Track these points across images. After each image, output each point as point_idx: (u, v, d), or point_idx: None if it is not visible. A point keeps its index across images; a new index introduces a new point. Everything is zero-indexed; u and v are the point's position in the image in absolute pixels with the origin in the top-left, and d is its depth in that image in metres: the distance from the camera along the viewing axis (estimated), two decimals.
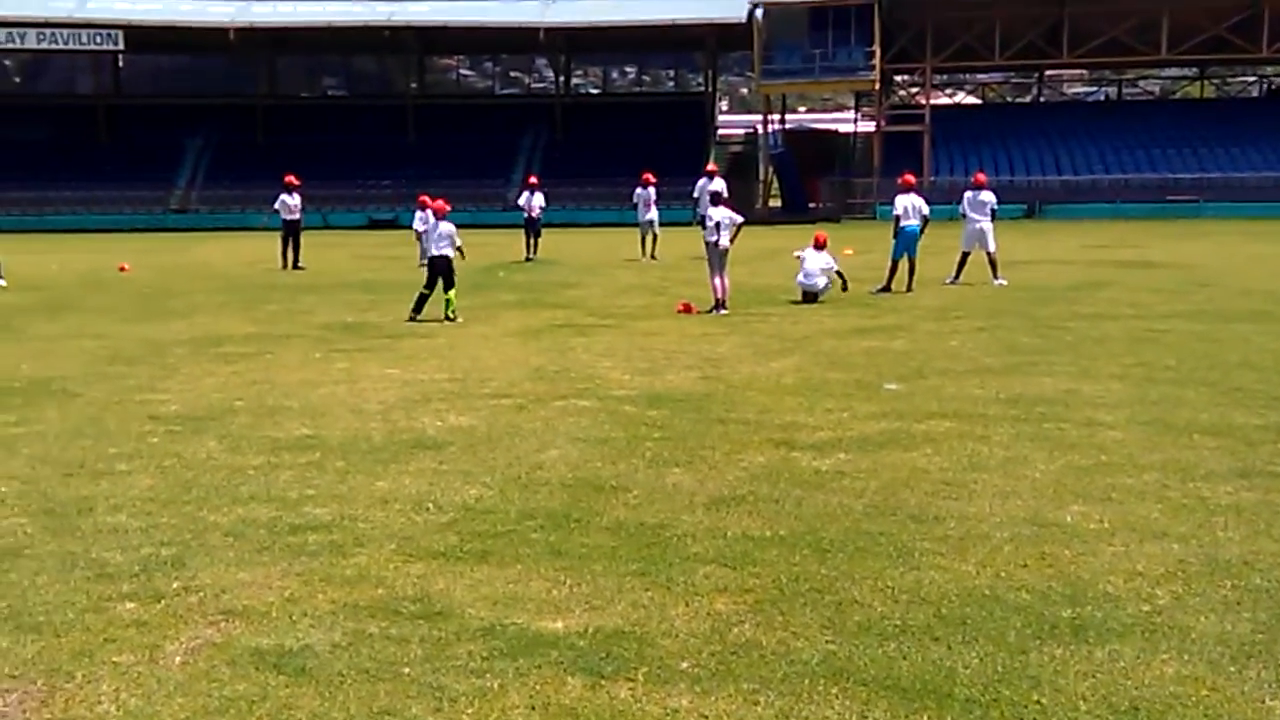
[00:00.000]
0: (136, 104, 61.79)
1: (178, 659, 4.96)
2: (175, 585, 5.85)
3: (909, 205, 20.04)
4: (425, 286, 17.13)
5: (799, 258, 18.75)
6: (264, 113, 59.61)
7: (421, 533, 6.68)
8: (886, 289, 19.65)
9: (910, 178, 21.56)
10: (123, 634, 5.24)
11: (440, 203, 17.97)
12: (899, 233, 19.89)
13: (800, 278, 18.52)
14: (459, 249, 17.34)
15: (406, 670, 4.80)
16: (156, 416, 10.15)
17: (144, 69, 69.86)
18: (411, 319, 16.69)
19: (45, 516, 7.11)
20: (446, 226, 17.23)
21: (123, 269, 27.90)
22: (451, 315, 16.77)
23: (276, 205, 28.23)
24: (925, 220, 20.13)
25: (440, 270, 17.07)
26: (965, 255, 21.00)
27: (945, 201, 40.13)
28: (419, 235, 28.43)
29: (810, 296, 18.42)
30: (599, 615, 5.37)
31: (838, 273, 18.83)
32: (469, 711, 4.46)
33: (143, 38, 56.17)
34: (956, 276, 20.77)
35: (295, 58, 69.58)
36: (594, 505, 7.17)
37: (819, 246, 18.72)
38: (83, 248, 38.46)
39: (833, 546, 6.30)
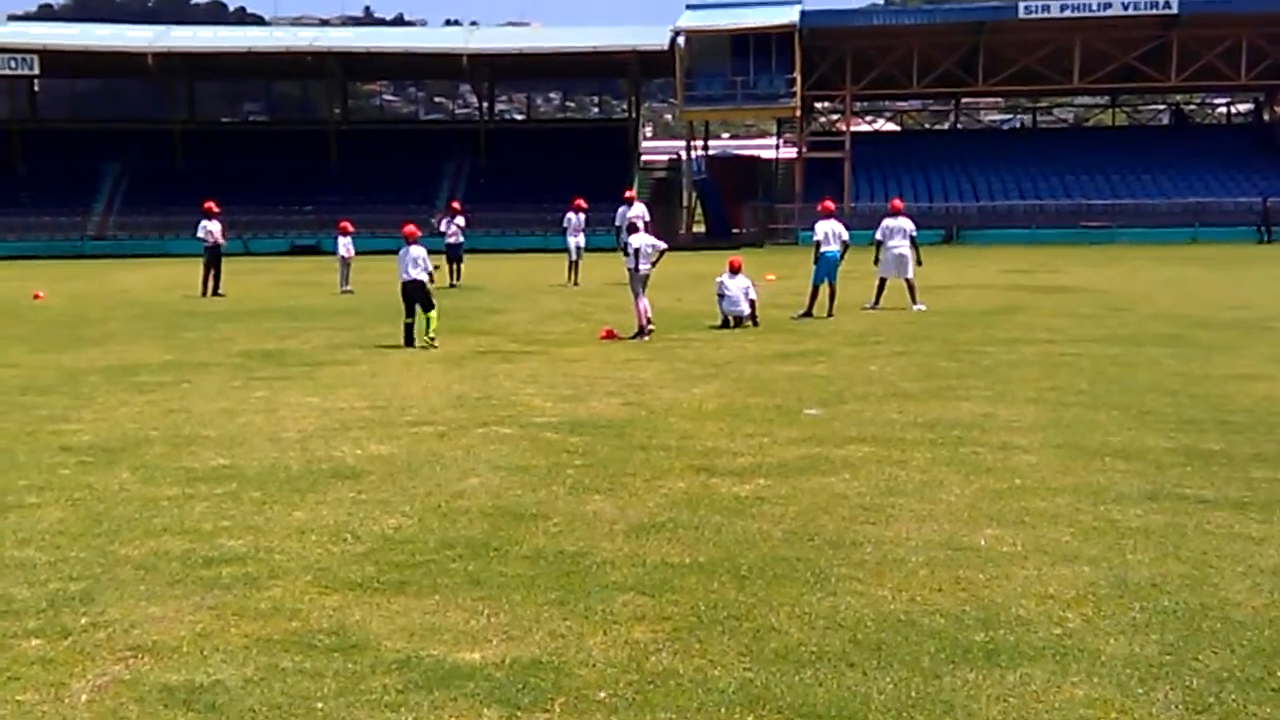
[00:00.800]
0: (52, 129, 60.79)
1: (84, 697, 4.86)
2: (83, 621, 5.74)
3: (829, 231, 20.26)
4: (406, 315, 17.03)
5: (719, 284, 18.84)
6: (183, 138, 58.90)
7: (338, 564, 6.61)
8: (808, 314, 19.80)
9: (830, 204, 21.81)
10: (27, 671, 5.13)
11: (411, 227, 17.87)
12: (819, 258, 20.08)
13: (724, 305, 18.61)
14: (430, 272, 17.35)
15: (320, 705, 4.74)
16: (69, 447, 9.96)
17: (60, 93, 68.84)
18: (407, 345, 16.68)
19: None
20: (417, 250, 17.15)
21: (37, 296, 27.40)
22: (431, 337, 16.66)
23: (200, 233, 27.84)
24: (845, 246, 20.35)
25: (415, 295, 16.99)
26: (884, 281, 21.23)
27: (866, 227, 40.65)
28: (341, 261, 28.32)
29: (736, 320, 18.52)
30: (516, 645, 5.34)
31: (750, 302, 18.81)
32: None
33: (59, 62, 55.41)
34: (876, 302, 21.00)
35: (215, 83, 68.92)
36: (514, 534, 7.15)
37: (735, 271, 18.82)
38: None
39: (751, 573, 6.32)
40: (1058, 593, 5.91)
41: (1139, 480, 8.16)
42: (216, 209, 28.24)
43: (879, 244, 21.37)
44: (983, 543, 6.78)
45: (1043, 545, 6.71)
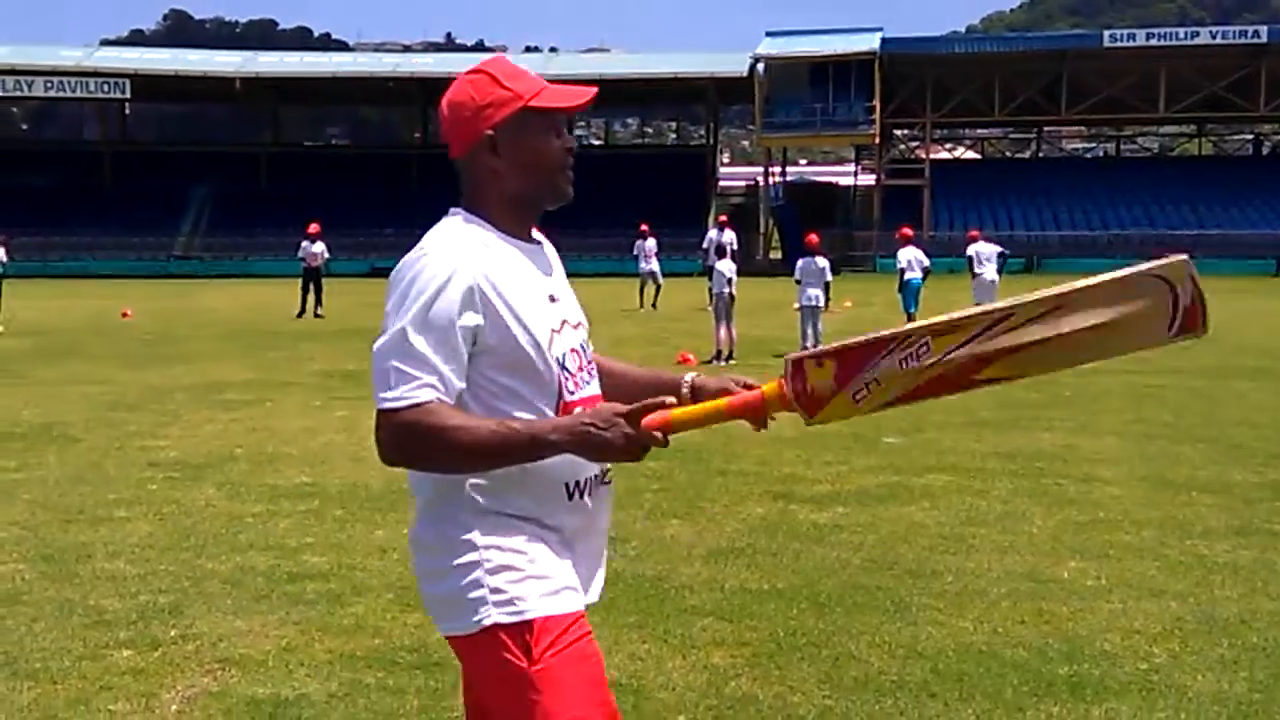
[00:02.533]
0: (142, 151, 62.27)
1: (173, 707, 4.96)
2: (172, 633, 5.85)
3: (912, 258, 20.17)
4: None
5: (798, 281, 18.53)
6: (268, 160, 60.00)
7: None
8: None
9: (909, 231, 21.72)
10: (119, 681, 5.24)
11: None
12: (903, 285, 19.99)
13: (801, 300, 18.34)
14: None
15: None
16: (156, 463, 10.17)
17: (150, 117, 70.48)
18: None
19: (44, 563, 7.11)
20: None
21: (125, 314, 28.00)
22: None
23: (300, 254, 28.37)
24: (927, 272, 20.26)
25: None
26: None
27: (944, 254, 40.39)
28: None
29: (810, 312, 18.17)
30: None
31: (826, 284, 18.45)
32: None
33: (150, 86, 56.72)
34: None
35: (300, 107, 70.14)
36: None
37: (813, 251, 18.50)
38: (86, 293, 38.60)
39: (830, 600, 6.30)
40: (1143, 627, 5.83)
41: (1226, 515, 8.02)
42: (318, 230, 28.66)
43: (970, 262, 21.06)
44: (1066, 575, 6.70)
45: (1128, 579, 6.61)
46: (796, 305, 18.61)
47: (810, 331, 18.36)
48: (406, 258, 2.67)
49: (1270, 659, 5.40)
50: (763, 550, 7.30)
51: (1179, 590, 6.41)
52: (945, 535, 7.59)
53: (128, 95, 55.90)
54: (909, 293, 19.80)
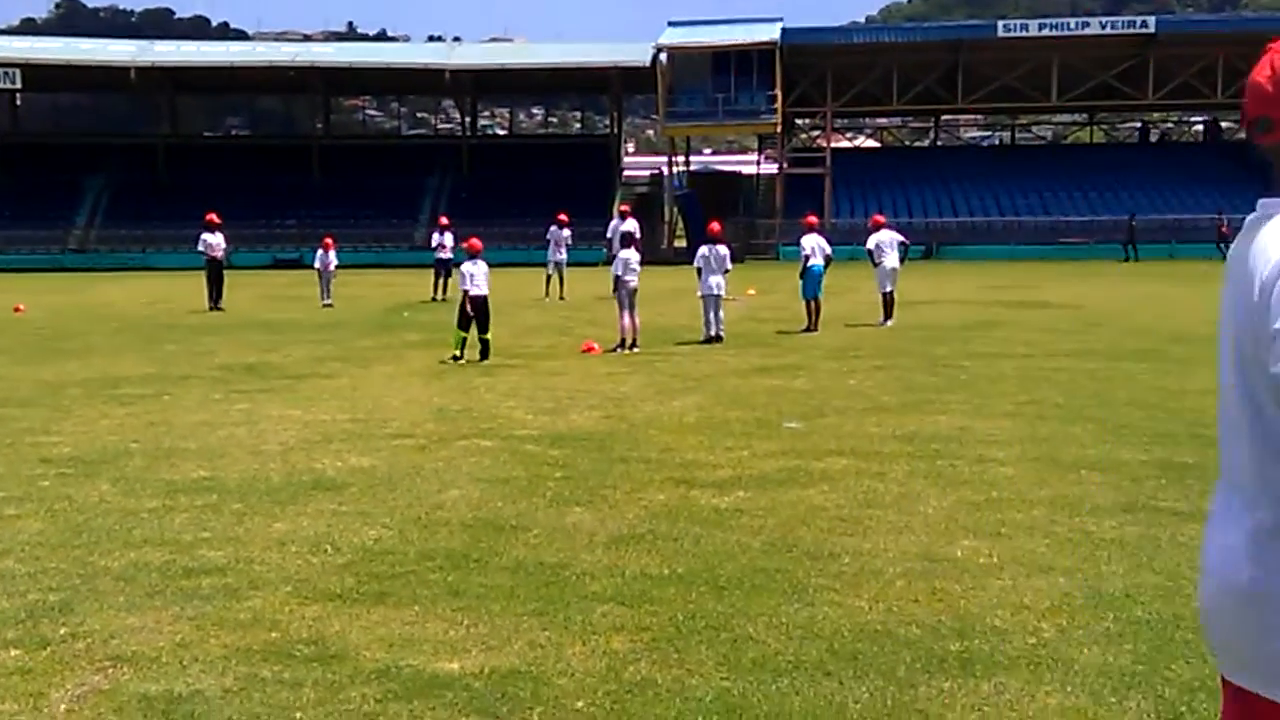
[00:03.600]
0: (34, 142, 60.63)
1: (62, 706, 4.87)
2: (62, 631, 5.74)
3: (815, 245, 20.34)
4: (460, 326, 16.58)
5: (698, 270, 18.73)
6: (166, 152, 58.81)
7: (318, 575, 6.63)
8: (811, 329, 19.77)
9: (814, 218, 21.91)
10: (6, 681, 5.13)
11: (474, 240, 17.52)
12: (805, 272, 20.16)
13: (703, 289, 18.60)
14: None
15: (299, 715, 4.76)
16: (49, 459, 9.95)
17: (42, 107, 68.66)
18: (455, 359, 16.36)
19: None
20: (484, 265, 16.79)
21: (18, 309, 27.30)
22: (480, 355, 16.36)
23: (200, 245, 27.73)
24: (828, 260, 20.45)
25: (479, 310, 16.54)
26: (885, 294, 21.05)
27: (846, 242, 40.82)
28: (320, 274, 28.35)
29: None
30: (495, 655, 5.37)
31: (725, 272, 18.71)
32: None
33: (41, 76, 55.33)
34: (887, 316, 20.85)
35: (198, 97, 68.83)
36: (494, 545, 7.17)
37: (715, 239, 18.75)
38: None
39: (730, 584, 6.36)
40: (1033, 603, 5.97)
41: (1114, 493, 8.23)
42: (218, 220, 28.06)
43: (871, 254, 21.23)
44: (959, 554, 6.83)
45: (1019, 557, 6.76)
46: (699, 293, 18.74)
47: (713, 319, 18.50)
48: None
49: (1153, 632, 5.56)
50: (664, 536, 7.35)
51: (1067, 566, 6.58)
52: (843, 517, 7.70)
53: (18, 85, 54.45)
54: (810, 279, 19.98)
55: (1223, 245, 45.83)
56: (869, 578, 6.44)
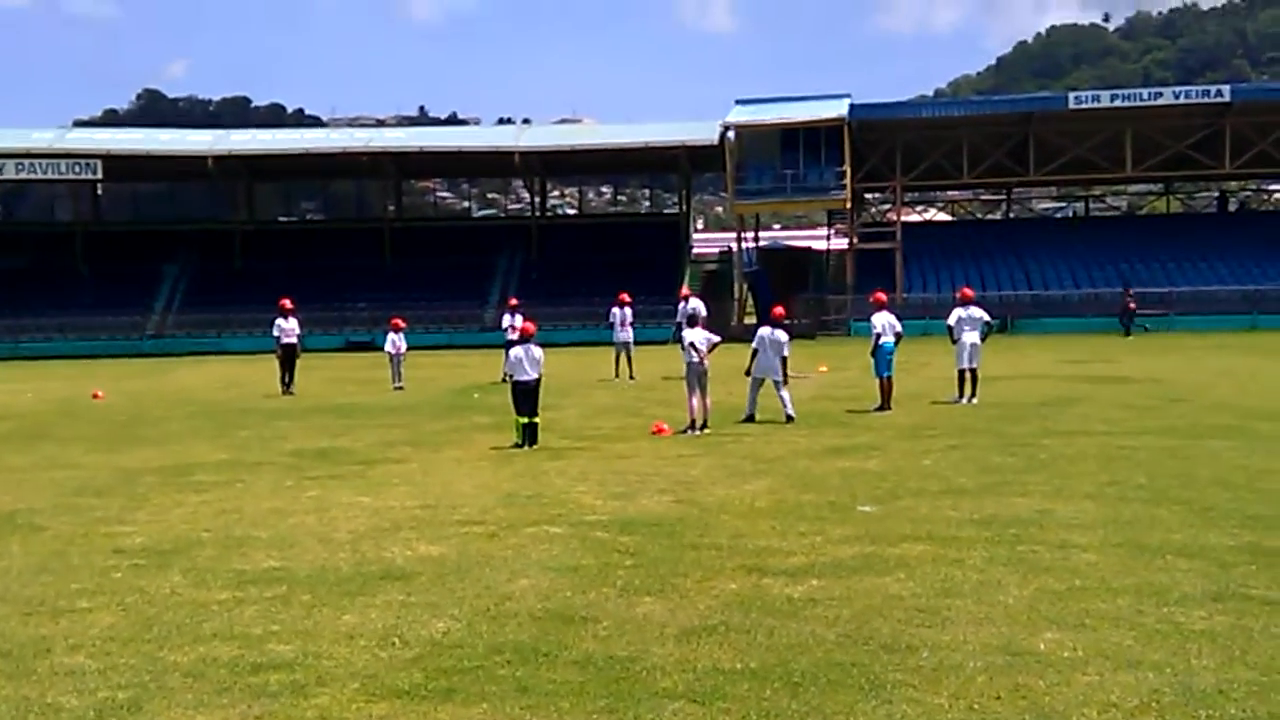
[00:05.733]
0: (114, 231, 62.12)
1: None
2: None
3: (886, 323, 20.17)
4: (519, 412, 16.36)
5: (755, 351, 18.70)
6: (241, 238, 59.97)
7: (386, 670, 6.55)
8: (884, 407, 19.57)
9: (883, 295, 21.75)
10: None
11: (528, 324, 17.46)
12: (876, 350, 19.98)
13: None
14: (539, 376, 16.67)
15: None
16: (121, 550, 10.01)
17: (122, 196, 70.41)
18: (518, 446, 16.15)
19: (1, 659, 6.95)
20: (538, 349, 16.65)
21: (96, 396, 27.76)
22: (526, 442, 16.14)
23: (274, 331, 28.09)
24: (899, 336, 20.26)
25: (529, 395, 16.32)
26: (962, 372, 20.74)
27: (917, 317, 40.51)
28: (390, 358, 28.57)
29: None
30: None
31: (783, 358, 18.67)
32: None
33: (122, 167, 56.71)
34: (961, 394, 20.58)
35: (273, 183, 70.23)
36: (563, 638, 7.06)
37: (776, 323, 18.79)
38: (58, 375, 38.33)
39: (804, 679, 6.20)
40: (1120, 700, 5.74)
41: (1203, 580, 7.96)
42: (291, 305, 28.38)
43: (950, 329, 20.93)
44: (1042, 647, 6.61)
45: (1104, 650, 6.53)
46: (748, 373, 18.68)
47: (783, 399, 18.34)
48: None
49: None
50: (736, 627, 7.19)
51: (1155, 660, 6.34)
52: (920, 608, 7.51)
53: (99, 176, 55.86)
54: (881, 357, 19.79)
55: (1129, 319, 45.18)
56: (949, 673, 6.24)
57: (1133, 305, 46.70)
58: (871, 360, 20.19)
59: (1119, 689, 5.90)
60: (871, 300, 21.48)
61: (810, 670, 6.34)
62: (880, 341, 19.98)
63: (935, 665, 6.37)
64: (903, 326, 20.76)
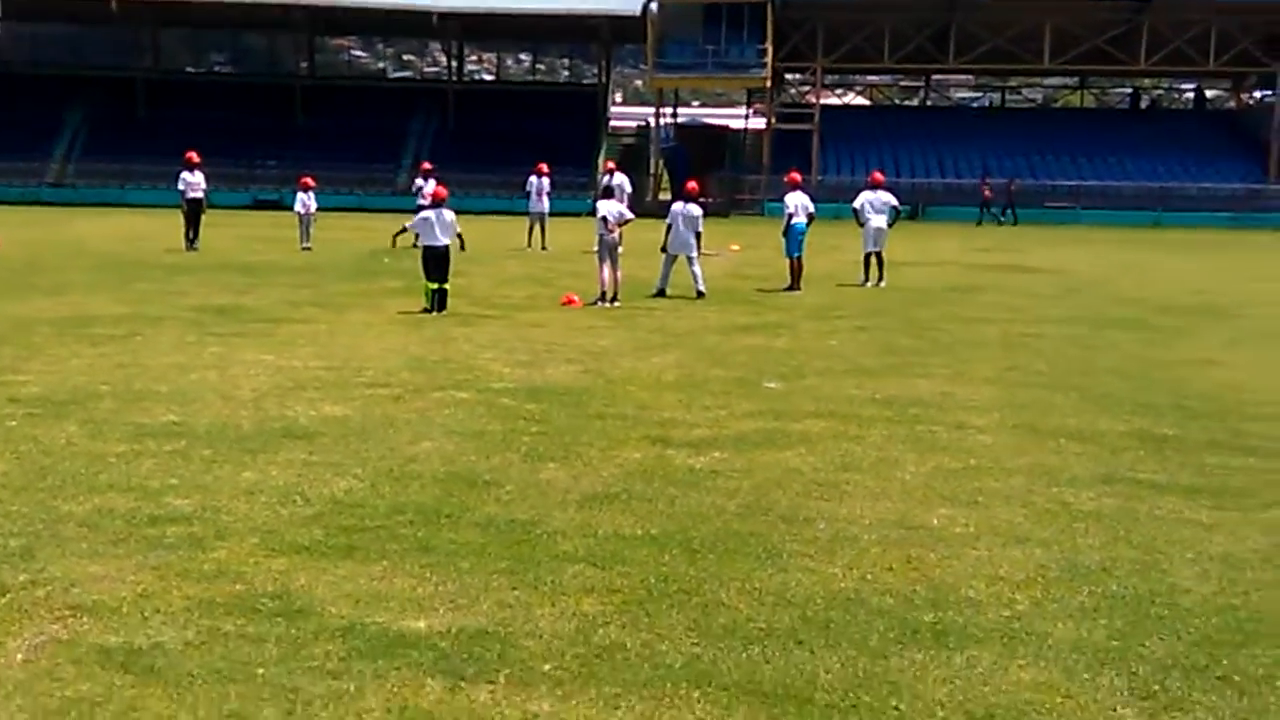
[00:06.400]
0: (12, 74, 59.75)
1: (19, 656, 4.77)
2: (21, 578, 5.63)
3: (798, 203, 20.17)
4: (428, 277, 16.13)
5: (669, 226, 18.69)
6: (146, 86, 58.04)
7: (286, 526, 6.53)
8: (794, 288, 19.66)
9: (797, 175, 21.71)
10: None
11: (440, 188, 17.19)
12: (788, 230, 20.01)
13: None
14: (459, 237, 16.43)
15: (260, 671, 4.67)
16: (16, 399, 9.80)
17: (21, 37, 67.64)
18: (426, 311, 15.94)
19: None
20: (450, 214, 16.32)
21: None
22: (437, 307, 15.93)
23: (179, 184, 27.35)
24: (811, 218, 20.28)
25: (443, 261, 16.12)
26: (869, 255, 20.89)
27: (833, 200, 40.60)
28: (299, 217, 28.03)
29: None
30: (463, 615, 5.28)
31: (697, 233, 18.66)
32: (323, 715, 4.35)
33: (21, 6, 54.38)
34: (867, 277, 20.74)
35: (180, 32, 67.92)
36: (466, 500, 7.08)
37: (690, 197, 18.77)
38: None
39: (703, 547, 6.29)
40: (1008, 575, 5.91)
41: (1093, 463, 8.18)
42: (198, 159, 27.62)
43: (856, 213, 21.01)
44: (935, 522, 6.77)
45: (995, 526, 6.71)
46: (663, 249, 18.67)
47: (696, 274, 18.36)
48: None
49: (1129, 607, 5.51)
50: (638, 495, 7.26)
51: (1044, 538, 6.52)
52: (820, 481, 7.63)
53: None
54: (793, 237, 19.83)
55: (984, 209, 46.43)
56: (844, 544, 6.37)
57: (987, 194, 47.74)
58: (783, 240, 20.23)
59: (1007, 563, 6.08)
60: (786, 180, 21.42)
61: (709, 538, 6.44)
62: (791, 222, 20.00)
63: (831, 537, 6.50)
64: (816, 209, 20.79)
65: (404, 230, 17.02)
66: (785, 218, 20.24)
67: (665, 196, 56.37)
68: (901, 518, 6.85)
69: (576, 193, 44.93)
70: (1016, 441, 8.82)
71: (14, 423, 8.94)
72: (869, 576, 5.86)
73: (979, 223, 46.14)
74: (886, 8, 52.15)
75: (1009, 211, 47.07)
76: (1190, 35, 50.78)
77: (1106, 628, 5.26)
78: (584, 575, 5.83)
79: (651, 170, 58.29)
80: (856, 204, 21.06)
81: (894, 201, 21.21)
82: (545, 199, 29.43)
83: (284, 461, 7.91)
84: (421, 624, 5.16)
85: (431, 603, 5.42)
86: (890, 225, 21.01)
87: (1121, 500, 7.27)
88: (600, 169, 38.67)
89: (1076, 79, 64.18)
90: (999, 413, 9.87)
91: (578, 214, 39.67)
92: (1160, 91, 67.62)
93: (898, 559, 6.12)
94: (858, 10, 52.64)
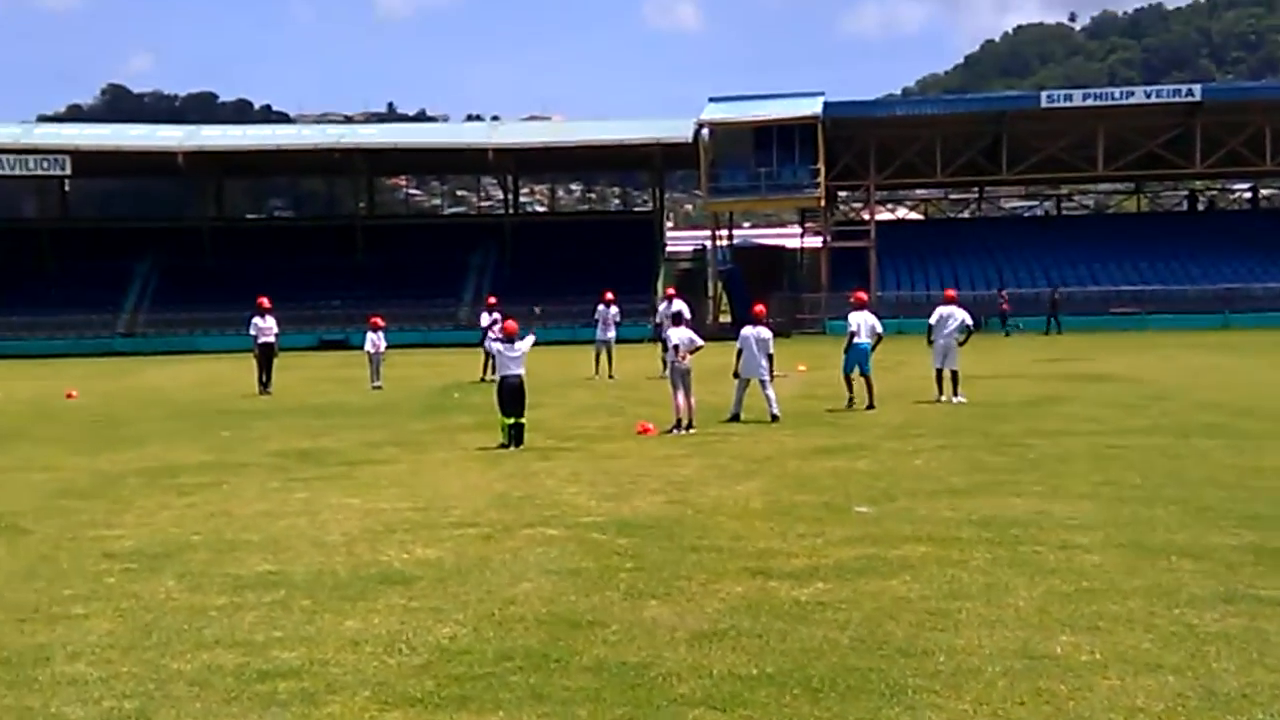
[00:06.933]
0: (82, 228, 61.47)
1: None
2: None
3: (862, 323, 20.15)
4: (503, 412, 16.17)
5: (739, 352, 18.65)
6: (211, 235, 59.48)
7: (395, 677, 6.44)
8: (851, 404, 19.60)
9: (863, 295, 21.74)
10: None
11: (510, 323, 17.43)
12: (850, 348, 19.98)
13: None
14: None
15: None
16: (111, 554, 9.84)
17: (90, 193, 69.76)
18: (504, 446, 15.99)
19: (0, 667, 6.79)
20: (523, 345, 16.51)
21: (70, 396, 27.44)
22: (513, 442, 15.98)
23: (251, 330, 27.80)
24: (879, 337, 20.24)
25: (514, 394, 16.15)
26: (940, 371, 20.77)
27: (892, 315, 40.55)
28: (369, 356, 28.32)
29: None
30: None
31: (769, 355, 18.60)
32: None
33: (90, 162, 56.16)
34: (940, 392, 20.58)
35: (243, 181, 69.76)
36: (572, 643, 6.97)
37: (758, 321, 18.80)
38: (28, 374, 37.92)
39: (823, 685, 6.12)
40: (1146, 706, 5.69)
41: (1210, 581, 7.93)
42: (268, 304, 28.08)
43: (930, 328, 20.94)
44: (1059, 650, 6.56)
45: (1122, 653, 6.49)
46: (736, 374, 18.62)
47: (769, 398, 18.30)
48: None
49: None
50: (746, 632, 7.11)
51: (1175, 664, 6.30)
52: (931, 610, 7.45)
53: (68, 171, 55.28)
54: (854, 355, 19.74)
55: (1004, 321, 46.28)
56: (968, 677, 6.18)
57: (1005, 307, 48.22)
58: (843, 357, 20.19)
59: (1143, 694, 5.85)
60: (852, 300, 21.46)
61: (828, 675, 6.27)
62: (854, 341, 19.97)
63: (953, 670, 6.31)
64: (883, 328, 20.75)
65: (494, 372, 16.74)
66: (847, 336, 20.21)
67: (725, 319, 56.67)
68: (1023, 647, 6.65)
69: (637, 319, 45.17)
70: (1126, 560, 8.59)
71: (112, 579, 8.95)
72: (1000, 712, 5.67)
73: (1006, 334, 46.02)
74: (937, 123, 52.69)
75: (1053, 321, 47.02)
76: (1245, 136, 50.77)
77: None
78: (706, 719, 5.68)
79: (710, 293, 58.65)
80: (932, 319, 20.97)
81: (967, 319, 21.06)
82: (613, 328, 29.62)
83: (384, 609, 7.85)
84: None
85: None
86: (962, 343, 20.87)
87: (1247, 620, 7.03)
88: (660, 295, 38.88)
89: (1131, 185, 64.18)
90: (1102, 531, 9.64)
91: (638, 340, 39.86)
92: (1214, 192, 67.47)
93: (1027, 692, 5.92)
94: (908, 126, 53.28)
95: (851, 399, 19.74)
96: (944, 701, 5.84)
